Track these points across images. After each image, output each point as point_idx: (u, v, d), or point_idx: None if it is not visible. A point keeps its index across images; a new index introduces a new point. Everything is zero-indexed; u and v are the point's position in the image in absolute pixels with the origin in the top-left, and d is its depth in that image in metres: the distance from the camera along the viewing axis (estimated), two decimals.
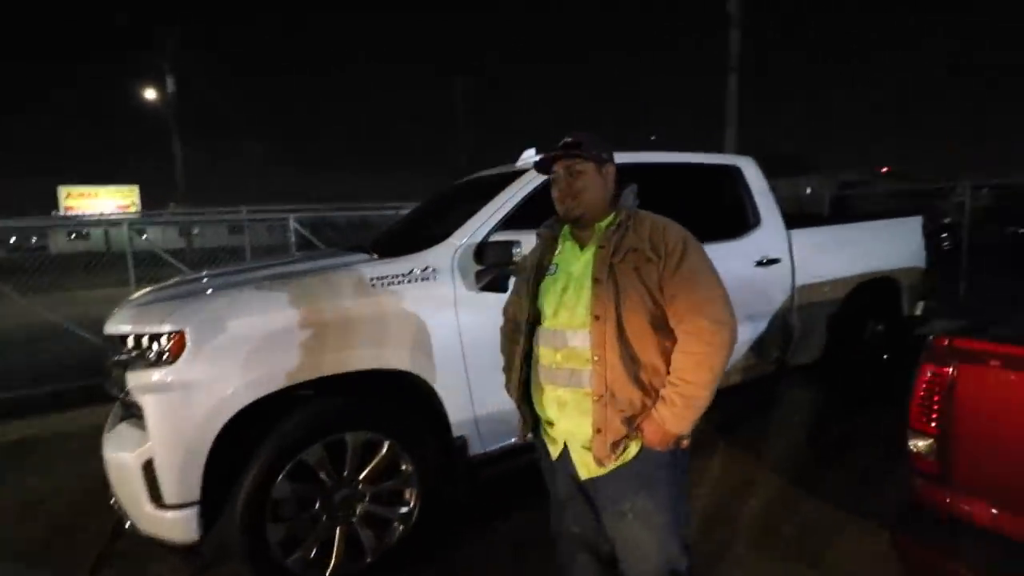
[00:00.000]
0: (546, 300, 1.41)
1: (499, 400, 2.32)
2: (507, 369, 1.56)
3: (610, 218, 1.41)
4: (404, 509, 2.22)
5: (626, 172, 1.53)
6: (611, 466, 1.35)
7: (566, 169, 1.39)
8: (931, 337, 1.65)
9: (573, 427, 1.38)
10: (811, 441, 3.33)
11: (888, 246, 3.80)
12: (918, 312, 4.04)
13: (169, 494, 1.86)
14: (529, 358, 1.46)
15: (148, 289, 2.55)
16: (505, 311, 1.61)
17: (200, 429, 1.85)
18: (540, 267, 1.47)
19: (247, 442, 1.94)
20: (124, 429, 2.01)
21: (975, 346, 1.57)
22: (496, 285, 2.26)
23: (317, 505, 2.06)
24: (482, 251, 2.27)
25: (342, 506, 2.10)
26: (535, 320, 1.44)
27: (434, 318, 2.21)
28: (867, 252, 3.66)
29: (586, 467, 1.39)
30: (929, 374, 1.62)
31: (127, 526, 2.03)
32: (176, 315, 1.91)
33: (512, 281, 1.66)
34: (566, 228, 1.49)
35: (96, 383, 4.45)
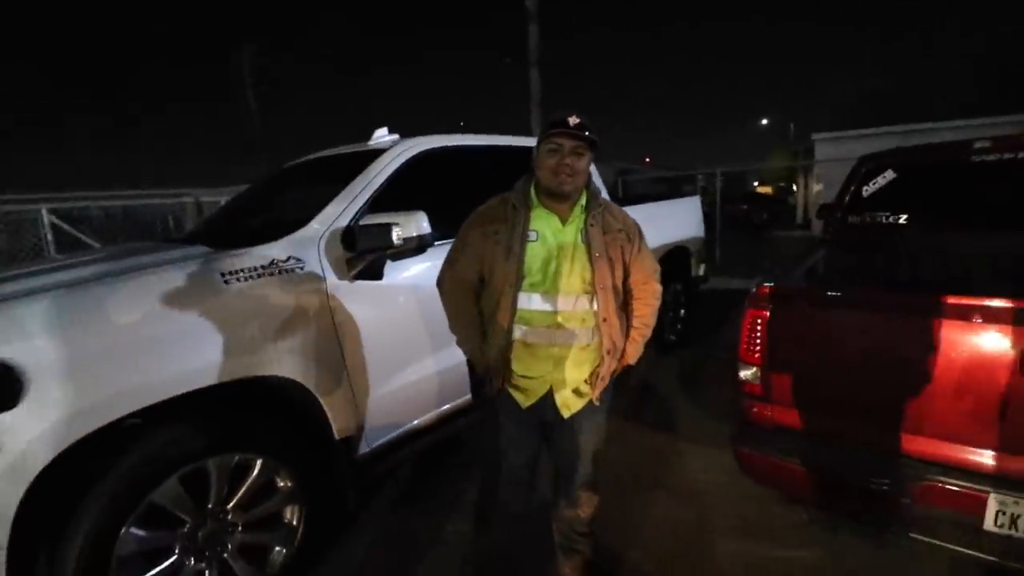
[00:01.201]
0: (534, 267, 1.55)
1: (381, 392, 2.22)
2: (469, 329, 1.65)
3: (583, 198, 1.61)
4: (285, 531, 1.97)
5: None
6: (595, 395, 1.65)
7: (572, 148, 1.49)
8: (753, 288, 2.07)
9: (566, 376, 1.61)
10: (644, 388, 3.89)
11: (681, 220, 4.60)
12: (700, 273, 4.98)
13: None
14: (513, 319, 1.58)
15: None
16: (454, 271, 1.65)
17: (13, 475, 1.38)
18: (519, 232, 1.55)
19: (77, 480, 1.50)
20: None
21: (784, 292, 2.01)
22: (373, 272, 2.11)
23: (177, 552, 1.70)
24: (354, 236, 2.07)
25: (209, 544, 1.77)
26: (519, 284, 1.54)
27: (304, 313, 1.96)
28: (671, 225, 4.38)
29: (571, 406, 1.64)
30: (752, 316, 2.04)
31: None
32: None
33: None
34: (533, 196, 1.60)
35: None
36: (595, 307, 1.57)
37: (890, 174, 2.93)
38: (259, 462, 1.86)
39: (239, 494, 1.84)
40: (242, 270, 1.85)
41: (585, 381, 1.63)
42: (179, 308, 1.68)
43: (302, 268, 1.99)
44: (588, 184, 1.61)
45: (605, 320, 1.57)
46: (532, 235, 1.56)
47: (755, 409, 2.07)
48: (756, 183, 32.03)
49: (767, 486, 2.19)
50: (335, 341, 2.05)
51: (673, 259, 4.38)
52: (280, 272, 1.93)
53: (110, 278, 1.67)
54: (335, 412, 2.04)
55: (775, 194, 27.76)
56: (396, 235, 2.01)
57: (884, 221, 2.86)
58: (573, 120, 1.47)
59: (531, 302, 1.56)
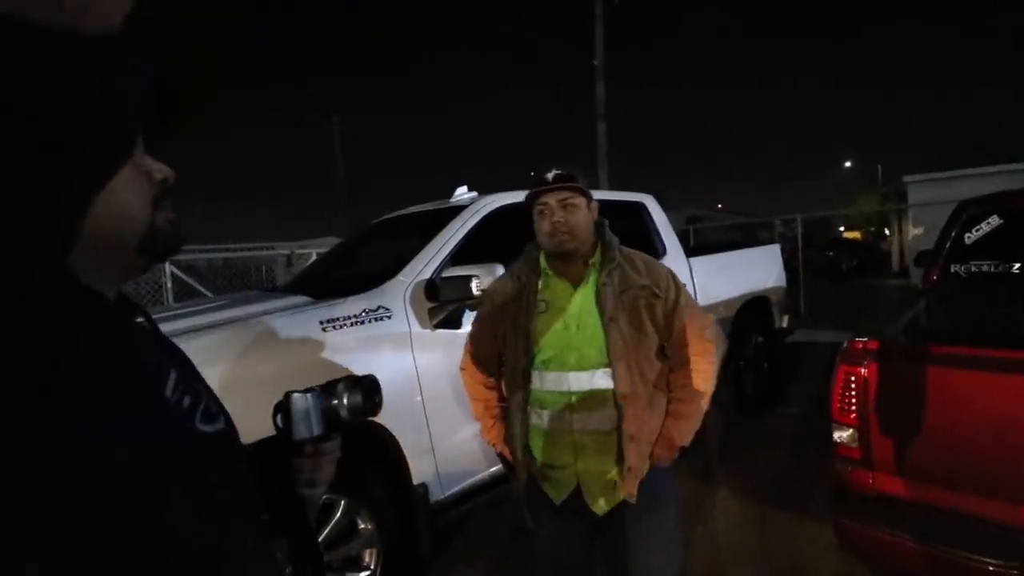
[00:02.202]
0: (544, 341, 1.36)
1: (456, 440, 2.28)
2: (488, 416, 1.52)
3: (597, 254, 1.41)
4: (364, 574, 2.02)
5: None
6: (631, 492, 1.36)
7: (559, 202, 1.36)
8: (845, 342, 1.96)
9: (592, 467, 1.36)
10: (724, 449, 3.68)
11: (760, 269, 4.44)
12: (784, 325, 4.72)
13: None
14: (527, 401, 1.41)
15: None
16: (472, 353, 1.53)
17: None
18: (527, 304, 1.39)
19: None
20: None
21: (882, 347, 1.89)
22: (454, 321, 2.22)
23: None
24: (435, 287, 2.22)
25: None
26: (529, 362, 1.38)
27: (390, 360, 2.10)
28: (748, 275, 4.24)
29: (606, 502, 1.38)
30: (846, 373, 1.92)
31: None
32: None
33: (472, 318, 1.59)
34: (543, 262, 1.43)
35: None
36: (613, 383, 1.32)
37: (995, 219, 2.72)
38: (343, 503, 1.96)
39: (323, 534, 1.93)
40: (338, 318, 2.02)
41: (619, 473, 1.36)
42: (288, 350, 1.86)
43: (389, 317, 2.14)
44: (602, 236, 1.44)
45: (625, 397, 1.31)
46: (541, 305, 1.39)
47: (853, 475, 1.91)
48: (843, 228, 30.22)
49: (871, 564, 1.99)
50: (416, 387, 2.15)
51: (752, 310, 4.21)
52: (370, 321, 2.09)
53: (234, 322, 1.91)
54: (414, 456, 2.12)
55: (864, 239, 26.01)
56: (475, 286, 2.13)
57: (991, 270, 2.63)
58: (551, 174, 1.36)
59: (544, 381, 1.37)
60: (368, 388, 0.71)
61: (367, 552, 2.04)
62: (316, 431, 0.68)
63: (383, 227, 3.31)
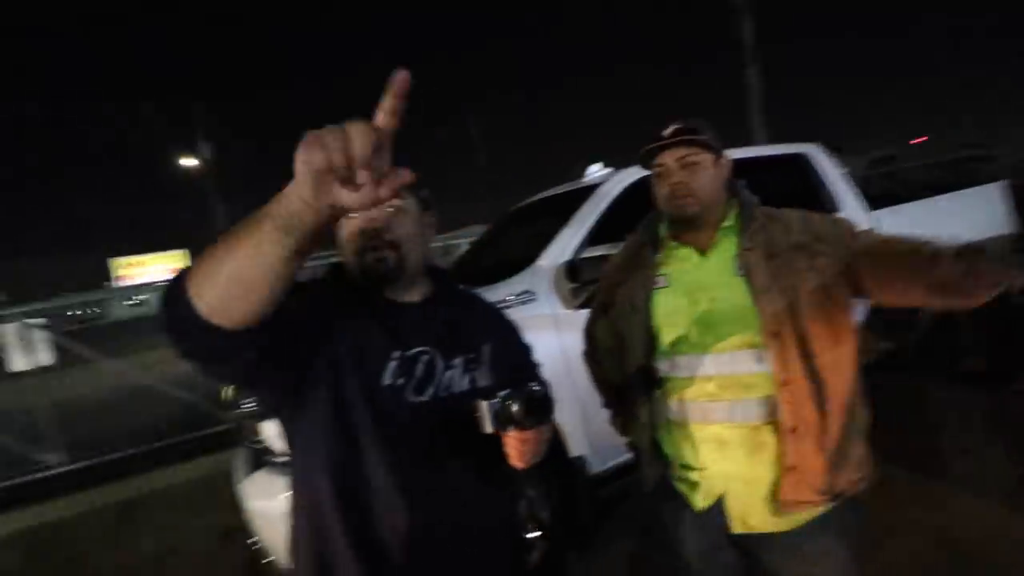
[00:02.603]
0: (667, 320, 1.19)
1: (607, 415, 2.36)
2: (614, 404, 1.41)
3: (731, 217, 1.20)
4: (533, 535, 2.23)
5: None
6: (799, 516, 1.13)
7: (679, 161, 1.16)
8: None
9: (738, 470, 1.15)
10: (938, 431, 3.19)
11: (975, 216, 3.65)
12: None
13: None
14: (653, 390, 1.25)
15: None
16: (590, 336, 1.42)
17: None
18: (643, 280, 1.24)
19: None
20: (264, 477, 2.09)
21: None
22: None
23: None
24: (575, 269, 2.30)
25: None
26: (651, 345, 1.22)
27: (538, 340, 2.23)
28: (957, 224, 3.52)
29: (757, 518, 1.15)
30: None
31: (278, 571, 2.10)
32: None
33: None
34: (662, 231, 1.27)
35: (190, 438, 4.69)
36: (768, 366, 1.10)
37: None
38: None
39: None
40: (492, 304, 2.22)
41: (777, 478, 1.12)
42: None
43: (534, 299, 2.29)
44: (737, 195, 1.23)
45: (786, 384, 1.08)
46: (660, 280, 1.22)
47: None
48: None
49: None
50: (564, 364, 2.27)
51: None
52: (518, 304, 2.26)
53: None
54: (569, 428, 2.26)
55: None
56: None
57: None
58: (668, 129, 1.17)
59: (674, 366, 1.19)
60: (528, 399, 0.87)
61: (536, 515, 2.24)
62: (490, 429, 0.87)
63: (521, 213, 3.47)
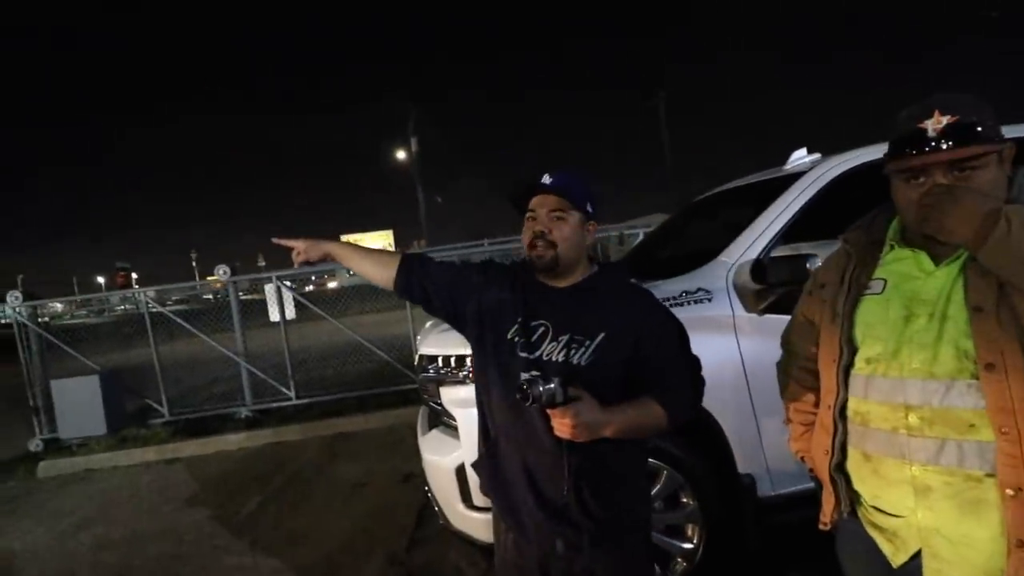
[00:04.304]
0: (872, 332, 1.02)
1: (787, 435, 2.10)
2: (797, 422, 1.25)
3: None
4: (687, 545, 2.12)
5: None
6: None
7: (946, 165, 0.92)
8: None
9: (944, 525, 0.95)
10: None
11: None
12: None
13: (477, 497, 2.09)
14: (843, 413, 1.08)
15: None
16: (785, 341, 1.30)
17: None
18: (853, 284, 1.07)
19: None
20: (438, 435, 2.35)
21: None
22: (785, 306, 2.03)
23: None
24: (764, 268, 2.06)
25: None
26: (848, 359, 1.06)
27: (711, 344, 2.07)
28: None
29: None
30: None
31: (440, 520, 2.35)
32: None
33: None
34: (895, 228, 1.07)
35: (385, 391, 5.47)
36: (983, 402, 0.90)
37: None
38: (664, 472, 2.09)
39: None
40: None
41: (1003, 547, 0.89)
42: None
43: (709, 299, 2.12)
44: (1009, 191, 0.96)
45: (1006, 433, 0.87)
46: (875, 285, 1.04)
47: None
48: None
49: None
50: (742, 374, 2.08)
51: None
52: (689, 303, 2.12)
53: None
54: (738, 444, 2.07)
55: None
56: (813, 267, 1.89)
57: None
58: (936, 124, 0.90)
59: (869, 388, 1.02)
60: (530, 383, 1.09)
61: (689, 526, 2.12)
62: (529, 403, 1.09)
63: (706, 203, 3.22)
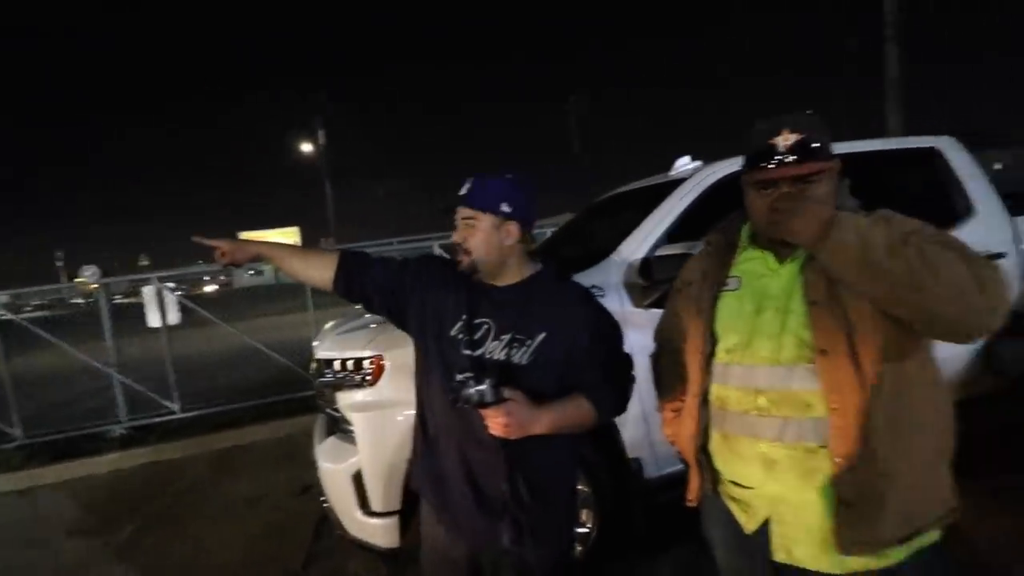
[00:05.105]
0: (729, 325, 1.13)
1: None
2: (667, 408, 1.35)
3: None
4: (582, 530, 2.21)
5: None
6: (857, 562, 1.03)
7: (794, 182, 1.03)
8: None
9: (786, 495, 1.08)
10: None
11: None
12: None
13: (375, 503, 2.05)
14: (707, 399, 1.19)
15: (340, 320, 2.87)
16: (658, 335, 1.39)
17: (401, 445, 2.01)
18: (712, 282, 1.19)
19: None
20: (334, 443, 2.26)
21: None
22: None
23: None
24: (650, 266, 2.21)
25: None
26: (710, 350, 1.16)
27: None
28: None
29: (803, 550, 1.07)
30: None
31: (337, 530, 2.26)
32: (376, 342, 2.11)
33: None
34: (747, 232, 1.20)
35: (285, 399, 5.15)
36: (818, 384, 1.03)
37: None
38: None
39: None
40: None
41: (834, 511, 1.02)
42: None
43: (602, 295, 2.22)
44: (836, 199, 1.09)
45: (835, 408, 1.00)
46: (732, 282, 1.16)
47: None
48: None
49: None
50: None
51: None
52: None
53: None
54: (627, 430, 2.19)
55: None
56: None
57: None
58: (784, 141, 1.01)
59: (727, 376, 1.13)
60: (461, 385, 1.14)
61: (584, 512, 2.22)
62: (460, 404, 1.14)
63: (604, 205, 3.38)
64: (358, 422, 2.07)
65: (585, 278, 2.27)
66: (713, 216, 2.38)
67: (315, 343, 2.51)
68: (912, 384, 1.02)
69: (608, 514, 2.19)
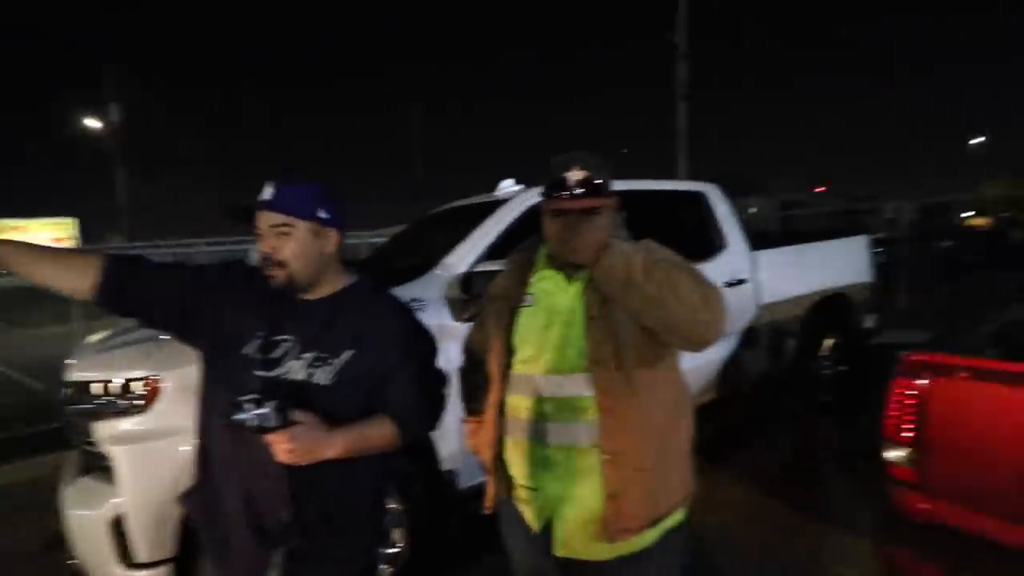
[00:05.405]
0: (523, 339, 1.22)
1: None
2: (473, 420, 1.40)
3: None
4: (393, 550, 2.13)
5: None
6: (622, 546, 1.16)
7: (580, 213, 1.13)
8: (902, 353, 1.76)
9: (564, 493, 1.18)
10: (785, 455, 3.45)
11: (840, 264, 4.05)
12: (870, 325, 4.29)
13: (142, 552, 1.72)
14: (503, 408, 1.26)
15: (109, 332, 2.39)
16: (466, 347, 1.45)
17: (177, 481, 1.73)
18: (513, 298, 1.27)
19: None
20: (88, 483, 1.85)
21: (944, 360, 1.68)
22: None
23: None
24: (469, 281, 2.25)
25: None
26: (507, 362, 1.24)
27: None
28: (822, 270, 3.88)
29: (579, 543, 1.18)
30: (901, 388, 1.73)
31: None
32: (151, 360, 1.80)
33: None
34: (543, 253, 1.30)
35: (38, 432, 4.14)
36: (592, 390, 1.16)
37: None
38: None
39: None
40: None
41: (602, 505, 1.15)
42: None
43: (423, 308, 2.20)
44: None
45: (606, 410, 1.14)
46: (528, 299, 1.25)
47: (907, 499, 1.72)
48: (969, 214, 26.46)
49: None
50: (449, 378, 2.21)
51: (828, 308, 3.86)
52: None
53: None
54: (442, 442, 2.19)
55: (994, 228, 22.66)
56: None
57: None
58: (574, 177, 1.13)
59: (520, 385, 1.22)
60: (235, 407, 0.99)
61: (395, 531, 2.14)
62: (236, 429, 1.01)
63: (432, 219, 3.40)
64: (120, 456, 1.73)
65: (406, 291, 2.23)
66: (531, 235, 2.58)
67: (69, 361, 2.04)
68: (663, 387, 1.20)
69: (422, 529, 2.15)
